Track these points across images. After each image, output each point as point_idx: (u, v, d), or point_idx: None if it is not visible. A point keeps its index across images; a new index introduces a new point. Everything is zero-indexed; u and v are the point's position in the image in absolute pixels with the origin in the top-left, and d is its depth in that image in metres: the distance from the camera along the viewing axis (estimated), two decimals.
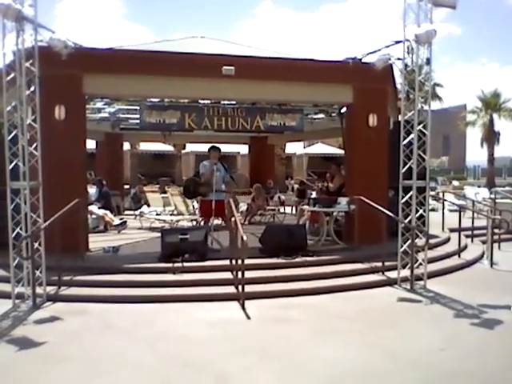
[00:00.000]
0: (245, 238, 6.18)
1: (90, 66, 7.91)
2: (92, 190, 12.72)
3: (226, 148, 21.20)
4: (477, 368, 4.45)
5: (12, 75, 6.11)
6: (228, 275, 7.01)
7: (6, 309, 5.98)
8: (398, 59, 7.35)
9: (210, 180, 8.30)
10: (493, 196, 16.28)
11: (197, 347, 4.92)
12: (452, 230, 10.45)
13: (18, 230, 6.19)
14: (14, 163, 6.14)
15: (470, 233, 10.67)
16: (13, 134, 6.19)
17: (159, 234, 8.05)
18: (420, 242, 7.33)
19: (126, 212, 14.25)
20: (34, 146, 6.25)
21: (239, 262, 6.38)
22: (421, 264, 7.23)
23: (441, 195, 14.26)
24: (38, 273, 6.29)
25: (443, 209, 11.87)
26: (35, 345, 4.91)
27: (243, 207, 12.78)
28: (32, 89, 6.24)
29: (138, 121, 10.23)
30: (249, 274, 6.36)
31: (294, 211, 14.07)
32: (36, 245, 6.25)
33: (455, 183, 31.47)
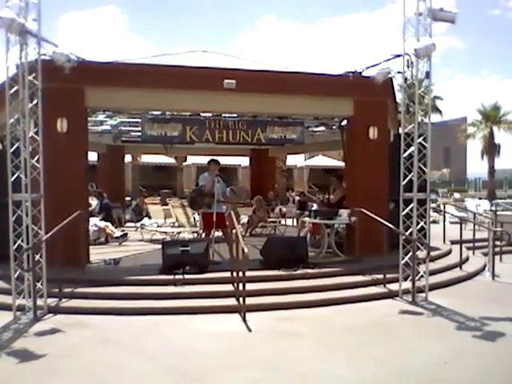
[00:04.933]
0: (246, 250, 6.19)
1: (93, 79, 7.97)
2: (93, 202, 12.75)
3: (227, 160, 21.39)
4: (480, 381, 4.43)
5: (15, 88, 6.16)
6: (229, 287, 7.00)
7: (7, 321, 5.97)
8: (398, 73, 7.41)
9: (212, 191, 8.36)
10: (494, 208, 16.29)
11: (198, 360, 4.89)
12: (453, 242, 10.44)
13: (19, 241, 6.20)
14: (16, 175, 6.17)
15: (471, 245, 10.64)
16: (15, 146, 6.22)
17: (160, 246, 8.05)
18: (421, 254, 7.31)
19: (127, 224, 14.25)
20: (36, 158, 6.28)
21: (240, 274, 6.37)
22: (422, 276, 7.21)
23: (442, 207, 14.26)
24: (38, 285, 6.28)
25: (444, 221, 11.86)
26: (36, 357, 4.89)
27: (244, 219, 12.78)
28: (35, 102, 6.29)
29: (139, 133, 10.29)
30: (250, 287, 6.35)
31: (295, 223, 14.07)
32: (37, 257, 6.25)
33: (456, 195, 31.45)
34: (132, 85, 8.13)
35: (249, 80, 8.55)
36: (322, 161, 28.85)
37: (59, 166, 7.46)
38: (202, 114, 10.02)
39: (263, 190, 15.62)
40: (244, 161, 23.45)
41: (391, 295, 7.23)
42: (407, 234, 7.21)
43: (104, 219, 11.87)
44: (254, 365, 4.77)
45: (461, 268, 8.97)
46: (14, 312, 6.10)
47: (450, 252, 9.97)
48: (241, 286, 6.29)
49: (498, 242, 9.76)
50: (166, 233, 11.25)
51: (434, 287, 7.49)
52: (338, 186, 10.20)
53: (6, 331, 5.67)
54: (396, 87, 9.94)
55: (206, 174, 8.80)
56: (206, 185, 8.54)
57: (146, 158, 26.04)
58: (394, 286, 7.32)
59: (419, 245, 7.20)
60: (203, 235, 9.19)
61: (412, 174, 7.10)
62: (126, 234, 11.61)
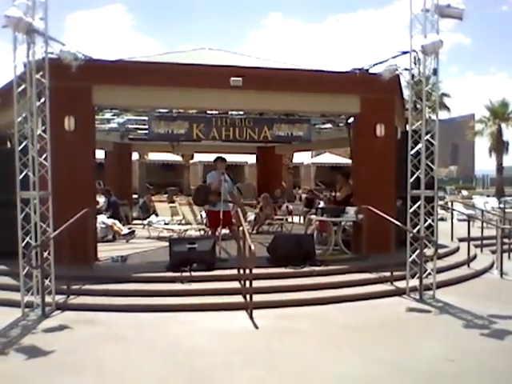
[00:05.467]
0: (252, 247, 6.19)
1: (100, 77, 8.00)
2: (101, 200, 12.80)
3: (233, 158, 21.40)
4: (487, 380, 4.42)
5: (23, 87, 6.20)
6: (236, 285, 7.01)
7: (15, 317, 6.01)
8: (405, 70, 7.37)
9: (218, 189, 8.35)
10: (502, 205, 16.21)
11: (204, 357, 4.90)
12: (461, 240, 10.39)
13: (27, 239, 6.24)
14: (24, 173, 6.21)
15: (479, 242, 10.59)
16: (23, 144, 6.27)
17: (167, 244, 8.08)
18: (429, 251, 7.29)
19: (135, 221, 14.30)
20: (44, 156, 6.32)
21: (247, 271, 6.38)
22: (430, 274, 7.19)
23: (449, 205, 14.20)
24: (47, 282, 6.32)
25: (452, 218, 11.80)
26: (44, 354, 4.92)
27: (251, 217, 12.79)
28: (42, 100, 6.32)
29: (146, 131, 10.32)
30: (257, 284, 6.36)
31: (301, 221, 14.06)
32: (45, 254, 6.29)
33: (464, 193, 31.28)
34: (139, 83, 8.14)
35: (255, 77, 8.53)
36: (328, 158, 28.81)
37: (67, 163, 7.49)
38: (209, 112, 10.03)
39: (270, 188, 15.61)
40: (251, 158, 23.42)
41: (398, 293, 7.21)
42: (415, 231, 7.18)
43: (111, 217, 11.91)
44: (261, 362, 4.78)
45: (468, 266, 8.93)
46: (22, 309, 6.15)
47: (457, 250, 9.93)
48: (247, 283, 6.30)
49: (506, 240, 9.71)
50: (172, 230, 11.28)
51: (442, 285, 7.46)
52: (344, 184, 10.18)
53: (15, 328, 5.72)
54: (403, 84, 9.89)
55: (213, 173, 8.81)
56: (213, 183, 8.54)
57: (153, 156, 26.11)
58: (401, 284, 7.30)
59: (427, 242, 7.18)
60: (209, 233, 9.20)
61: (419, 171, 7.07)
62: (133, 232, 11.66)
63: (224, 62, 9.44)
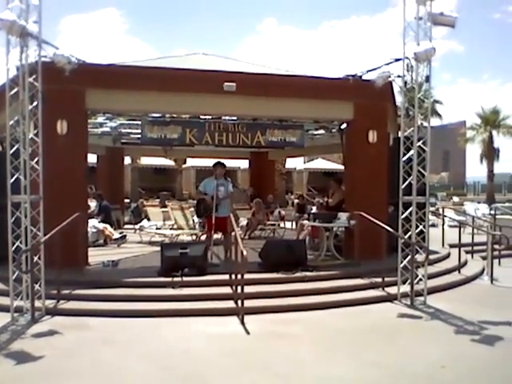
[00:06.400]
0: (245, 252, 6.18)
1: (93, 81, 7.98)
2: (92, 204, 12.74)
3: (226, 163, 21.35)
4: None
5: (15, 90, 6.17)
6: (227, 290, 6.99)
7: (5, 322, 5.95)
8: (398, 77, 7.43)
9: (213, 201, 8.37)
10: (493, 212, 16.31)
11: (196, 362, 4.89)
12: (452, 246, 10.43)
13: (17, 243, 6.19)
14: (15, 177, 6.16)
15: (470, 248, 10.64)
16: (15, 148, 6.22)
17: (159, 248, 8.05)
18: (420, 257, 7.32)
19: (126, 226, 14.24)
20: (36, 160, 6.28)
21: (239, 276, 6.37)
22: (421, 280, 7.22)
23: (441, 211, 14.27)
24: (37, 286, 6.27)
25: (443, 224, 11.86)
26: (33, 359, 4.88)
27: (243, 222, 12.79)
28: (35, 103, 6.29)
29: (139, 135, 10.29)
30: (248, 289, 6.35)
31: (294, 226, 14.06)
32: (35, 258, 6.24)
33: (455, 199, 31.45)
34: (132, 87, 8.13)
35: (249, 83, 8.55)
36: (321, 164, 28.83)
37: (59, 167, 7.45)
38: (202, 117, 10.03)
39: (262, 193, 15.62)
40: (243, 163, 23.42)
41: (390, 299, 7.22)
42: (406, 237, 7.21)
43: (103, 221, 11.87)
44: (252, 367, 4.76)
45: (459, 272, 8.98)
46: (11, 313, 6.08)
47: (448, 256, 9.97)
48: (239, 288, 6.28)
49: (496, 246, 9.77)
50: (164, 235, 11.25)
51: (433, 291, 7.50)
52: (336, 190, 10.21)
53: (4, 332, 5.66)
54: (396, 91, 9.96)
55: (208, 180, 8.80)
56: (206, 198, 8.54)
57: (146, 160, 25.99)
58: (392, 290, 7.32)
59: (418, 248, 7.20)
60: (202, 237, 9.17)
61: (411, 177, 7.11)
62: (124, 236, 11.60)
63: (218, 68, 9.46)
